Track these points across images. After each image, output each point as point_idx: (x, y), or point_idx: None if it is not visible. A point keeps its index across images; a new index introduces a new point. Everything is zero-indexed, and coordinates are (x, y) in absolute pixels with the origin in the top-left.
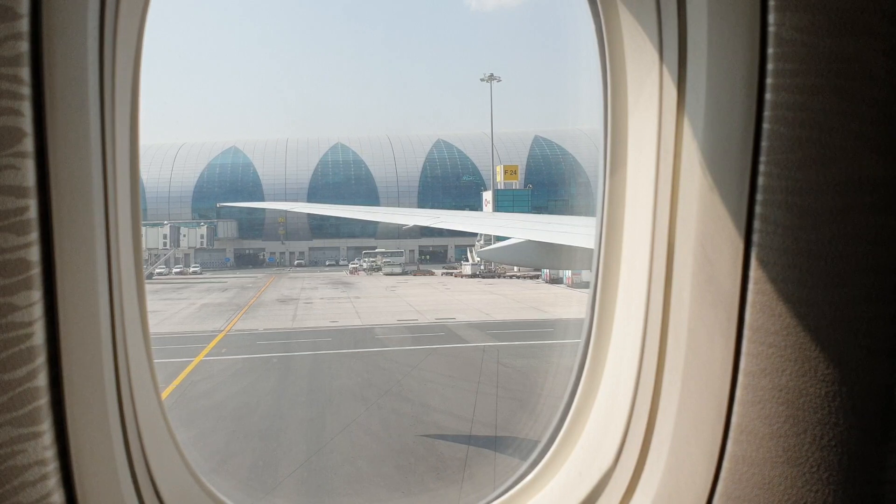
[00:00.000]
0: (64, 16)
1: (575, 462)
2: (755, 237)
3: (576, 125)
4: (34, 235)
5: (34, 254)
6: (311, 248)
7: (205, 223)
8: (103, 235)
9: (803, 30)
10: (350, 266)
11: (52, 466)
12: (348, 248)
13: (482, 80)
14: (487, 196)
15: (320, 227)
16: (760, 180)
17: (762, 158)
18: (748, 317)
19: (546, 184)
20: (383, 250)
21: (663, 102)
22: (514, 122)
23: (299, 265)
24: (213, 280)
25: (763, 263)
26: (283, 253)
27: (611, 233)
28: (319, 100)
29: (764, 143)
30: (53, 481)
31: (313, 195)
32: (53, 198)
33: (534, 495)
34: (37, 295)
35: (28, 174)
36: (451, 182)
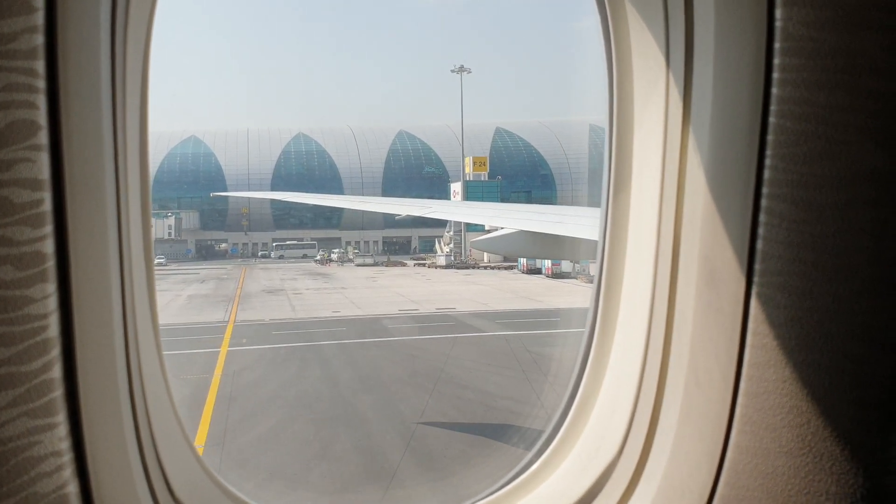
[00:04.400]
0: (78, 8)
1: (579, 451)
2: (760, 230)
3: (535, 117)
4: (49, 228)
5: (49, 246)
6: (273, 240)
7: (171, 213)
8: (115, 228)
9: (810, 25)
10: (318, 256)
11: (67, 458)
12: (311, 239)
13: (453, 70)
14: (456, 187)
15: (284, 217)
16: (766, 174)
17: (768, 152)
18: (753, 309)
19: (510, 175)
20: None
21: (670, 96)
22: (475, 114)
23: (263, 256)
24: (183, 272)
25: (767, 256)
26: (247, 244)
27: (616, 224)
28: (279, 90)
29: (770, 137)
30: (68, 472)
31: (277, 185)
32: (67, 190)
33: (539, 485)
34: (51, 287)
35: (43, 167)
36: (414, 173)
